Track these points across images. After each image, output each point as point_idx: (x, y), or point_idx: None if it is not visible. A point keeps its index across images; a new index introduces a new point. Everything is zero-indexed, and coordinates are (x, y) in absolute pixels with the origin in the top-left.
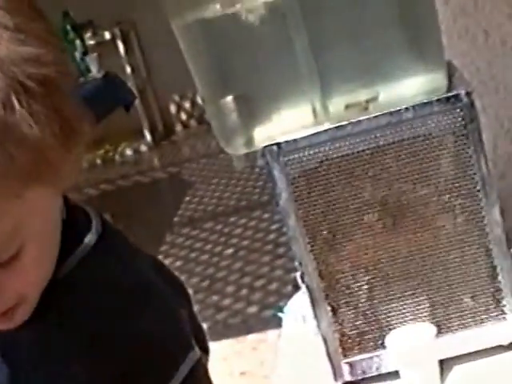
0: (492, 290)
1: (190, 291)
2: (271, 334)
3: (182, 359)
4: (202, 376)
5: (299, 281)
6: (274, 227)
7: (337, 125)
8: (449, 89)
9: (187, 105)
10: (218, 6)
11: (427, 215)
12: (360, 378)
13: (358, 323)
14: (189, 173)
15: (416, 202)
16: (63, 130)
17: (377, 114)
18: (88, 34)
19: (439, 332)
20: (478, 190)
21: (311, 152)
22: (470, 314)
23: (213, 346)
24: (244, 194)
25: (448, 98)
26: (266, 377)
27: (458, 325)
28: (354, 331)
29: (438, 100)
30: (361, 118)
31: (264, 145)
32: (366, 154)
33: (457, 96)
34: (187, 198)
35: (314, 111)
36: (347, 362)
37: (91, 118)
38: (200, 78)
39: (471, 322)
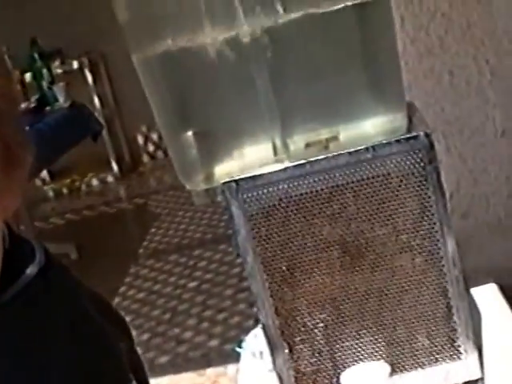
0: (447, 330)
1: (152, 323)
2: (231, 368)
3: None
4: None
5: (259, 316)
6: (238, 261)
7: (296, 163)
8: (409, 129)
9: (154, 136)
10: (179, 41)
11: (385, 254)
12: None
13: (313, 360)
14: (155, 204)
15: (374, 241)
16: (5, 156)
17: (336, 153)
18: (56, 63)
19: (394, 371)
20: (437, 231)
21: (270, 190)
22: (425, 353)
23: (173, 378)
24: (209, 227)
25: (407, 139)
26: None
27: (413, 364)
28: (309, 368)
29: (397, 141)
30: (320, 157)
31: (223, 181)
32: (324, 192)
33: (416, 137)
34: (153, 230)
35: (275, 149)
36: None
37: (32, 148)
38: (160, 112)
39: (426, 361)
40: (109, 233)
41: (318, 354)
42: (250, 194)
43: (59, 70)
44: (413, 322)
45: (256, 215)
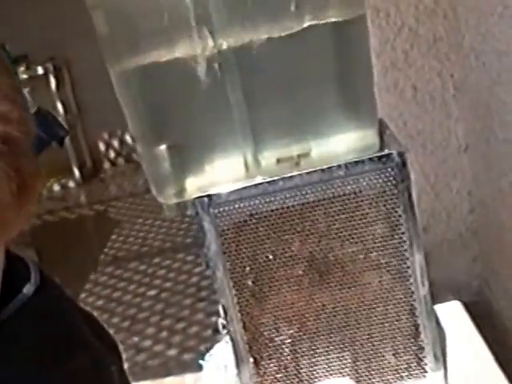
0: (414, 348)
1: (111, 331)
2: (189, 378)
3: None
4: None
5: (220, 327)
6: (197, 270)
7: (268, 180)
8: (381, 147)
9: (116, 143)
10: (155, 55)
11: (354, 272)
12: None
13: (279, 376)
14: (115, 211)
15: (343, 258)
16: (19, 187)
17: (308, 170)
18: (21, 68)
19: None
20: (406, 250)
21: (241, 205)
22: (392, 370)
23: None
24: (169, 235)
25: (380, 158)
26: None
27: (379, 381)
28: None
29: (370, 159)
30: (292, 174)
31: (195, 196)
32: (295, 209)
33: (389, 156)
34: (113, 237)
35: (246, 164)
36: None
37: (43, 173)
38: (134, 124)
39: (392, 379)
40: (69, 238)
41: (285, 369)
42: (221, 209)
43: (24, 76)
44: (380, 340)
45: (227, 230)
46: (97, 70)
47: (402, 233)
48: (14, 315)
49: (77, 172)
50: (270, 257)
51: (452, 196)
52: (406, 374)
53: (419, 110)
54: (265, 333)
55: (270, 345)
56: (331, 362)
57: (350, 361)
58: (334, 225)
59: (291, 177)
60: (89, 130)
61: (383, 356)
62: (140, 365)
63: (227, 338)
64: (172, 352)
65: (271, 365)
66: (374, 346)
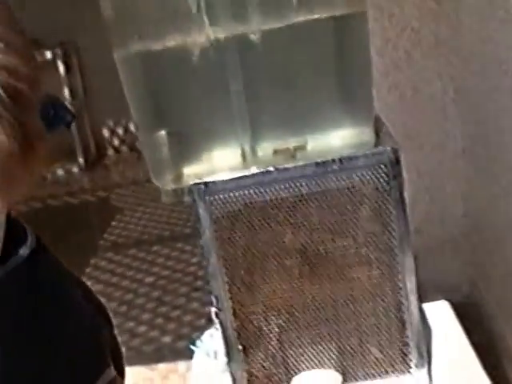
0: (400, 343)
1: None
2: (182, 365)
3: (98, 374)
4: None
5: (213, 316)
6: (194, 260)
7: (263, 170)
8: (376, 144)
9: (120, 131)
10: (159, 41)
11: (343, 266)
12: None
13: (266, 364)
14: (117, 198)
15: (334, 252)
16: (24, 144)
17: (303, 163)
18: None
19: (344, 380)
20: (396, 246)
21: (236, 194)
22: (376, 364)
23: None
24: (169, 224)
25: (374, 154)
26: None
27: (364, 375)
28: (262, 372)
29: (364, 155)
30: (287, 166)
31: (191, 183)
32: (289, 201)
33: (382, 152)
34: (114, 223)
35: (243, 154)
36: None
37: (47, 140)
38: (136, 109)
39: (377, 372)
40: (71, 223)
41: (272, 358)
42: (216, 197)
43: None
44: (366, 334)
45: (221, 218)
46: (106, 57)
47: (393, 229)
48: (8, 276)
49: (81, 158)
50: (263, 246)
51: (446, 198)
52: (391, 368)
53: (418, 112)
54: (254, 321)
55: (259, 333)
56: (318, 353)
57: (336, 353)
58: (326, 218)
59: (286, 168)
60: (94, 117)
61: (369, 350)
62: (135, 350)
63: (217, 324)
64: (166, 339)
65: (259, 353)
66: (360, 339)
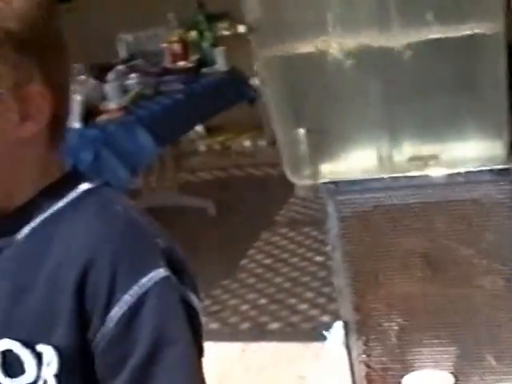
0: None
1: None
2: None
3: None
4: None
5: None
6: None
7: (393, 175)
8: (510, 158)
9: None
10: (302, 44)
11: (466, 274)
12: None
13: (384, 359)
14: None
15: (457, 260)
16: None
17: (433, 172)
18: (223, 25)
19: (456, 383)
20: None
21: (365, 196)
22: (491, 372)
23: (279, 346)
24: None
25: (500, 170)
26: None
27: (477, 380)
28: (379, 366)
29: (490, 170)
30: (416, 174)
31: (323, 181)
32: (416, 207)
33: (508, 170)
34: (291, 200)
35: (380, 158)
36: None
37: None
38: (276, 107)
39: (491, 380)
40: (250, 195)
41: (390, 353)
42: (345, 197)
43: (225, 33)
44: (484, 341)
45: (349, 217)
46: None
47: None
48: (65, 207)
49: (269, 132)
50: (387, 247)
51: None
52: (506, 377)
53: None
54: (375, 317)
55: (379, 329)
56: (434, 354)
57: (452, 356)
58: (451, 227)
59: (414, 176)
60: None
61: (484, 357)
62: (293, 326)
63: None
64: (325, 318)
65: (378, 347)
66: (477, 346)
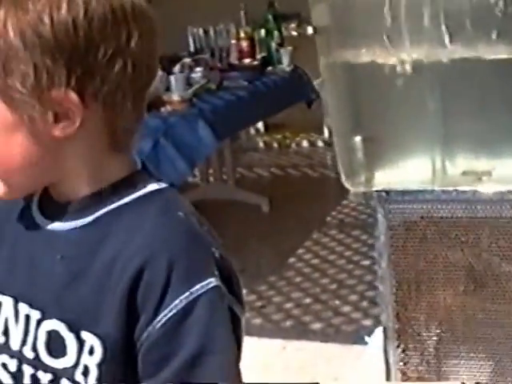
0: None
1: (317, 290)
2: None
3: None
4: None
5: None
6: None
7: (444, 188)
8: None
9: None
10: (363, 53)
11: (507, 290)
12: None
13: (420, 368)
14: None
15: (500, 275)
16: None
17: (483, 188)
18: (292, 25)
19: None
20: None
21: (415, 206)
22: None
23: (321, 346)
24: None
25: None
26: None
27: None
28: (415, 375)
29: None
30: (467, 189)
31: (375, 189)
32: (463, 221)
33: None
34: (344, 202)
35: (432, 169)
36: None
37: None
38: (335, 112)
39: None
40: (304, 194)
41: (427, 363)
42: (396, 206)
43: (294, 33)
44: None
45: (397, 226)
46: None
47: None
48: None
49: (326, 132)
50: (432, 259)
51: None
52: None
53: None
54: (414, 326)
55: (417, 338)
56: (471, 367)
57: (488, 370)
58: (496, 243)
59: (465, 191)
60: None
61: None
62: (334, 327)
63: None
64: (367, 323)
65: (415, 356)
66: None
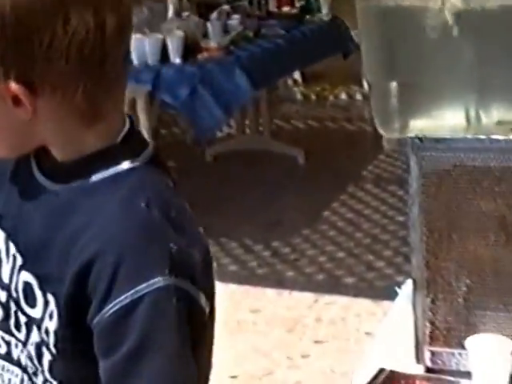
0: None
1: (351, 244)
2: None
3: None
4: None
5: None
6: None
7: (478, 136)
8: None
9: None
10: None
11: None
12: (439, 368)
13: (449, 319)
14: None
15: None
16: None
17: None
18: None
19: None
20: None
21: (448, 154)
22: None
23: (352, 300)
24: None
25: None
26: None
27: None
28: (444, 325)
29: None
30: (500, 138)
31: (409, 135)
32: (497, 170)
33: None
34: (381, 157)
35: (467, 118)
36: (431, 350)
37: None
38: (370, 59)
39: None
40: (341, 148)
41: (455, 314)
42: (429, 153)
43: None
44: None
45: (430, 174)
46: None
47: None
48: (103, 181)
49: (366, 85)
50: (464, 208)
51: None
52: None
53: None
54: (444, 276)
55: (447, 288)
56: (499, 319)
57: None
58: None
59: (498, 140)
60: None
61: None
62: (367, 282)
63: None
64: (400, 278)
65: (444, 307)
66: None
